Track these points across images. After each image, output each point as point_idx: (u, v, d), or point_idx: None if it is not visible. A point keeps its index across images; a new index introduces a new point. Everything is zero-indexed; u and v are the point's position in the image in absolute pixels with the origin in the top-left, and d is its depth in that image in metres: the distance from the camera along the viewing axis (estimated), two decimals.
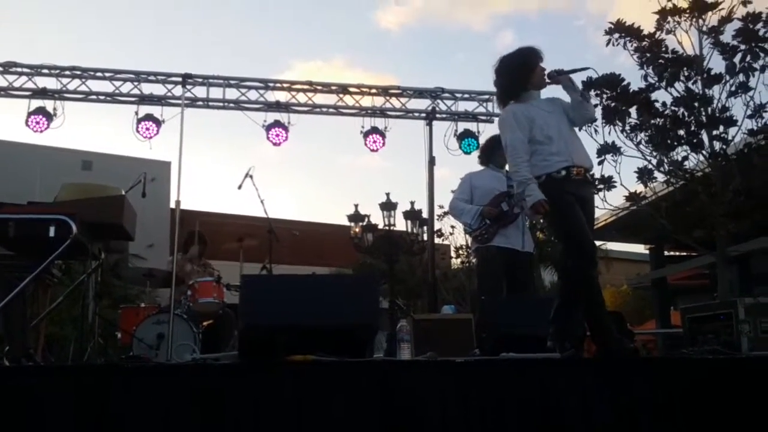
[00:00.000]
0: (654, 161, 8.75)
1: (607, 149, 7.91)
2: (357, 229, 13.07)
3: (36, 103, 8.35)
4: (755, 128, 8.01)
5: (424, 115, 9.26)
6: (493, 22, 49.45)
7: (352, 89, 9.21)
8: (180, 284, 5.70)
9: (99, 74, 8.63)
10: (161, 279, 6.49)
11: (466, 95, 9.36)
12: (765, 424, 3.28)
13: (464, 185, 5.86)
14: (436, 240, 15.04)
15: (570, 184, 3.99)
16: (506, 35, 51.70)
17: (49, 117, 8.31)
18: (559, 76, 4.18)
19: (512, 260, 5.53)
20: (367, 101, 9.22)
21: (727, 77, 8.06)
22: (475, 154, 8.93)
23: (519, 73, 4.19)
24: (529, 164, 3.99)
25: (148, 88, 8.69)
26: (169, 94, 8.64)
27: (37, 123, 8.25)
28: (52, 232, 3.63)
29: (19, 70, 8.43)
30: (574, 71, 4.24)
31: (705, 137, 8.31)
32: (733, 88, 8.06)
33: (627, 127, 8.03)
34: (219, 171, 41.44)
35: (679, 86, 8.34)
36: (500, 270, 5.51)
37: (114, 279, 7.45)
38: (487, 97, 9.31)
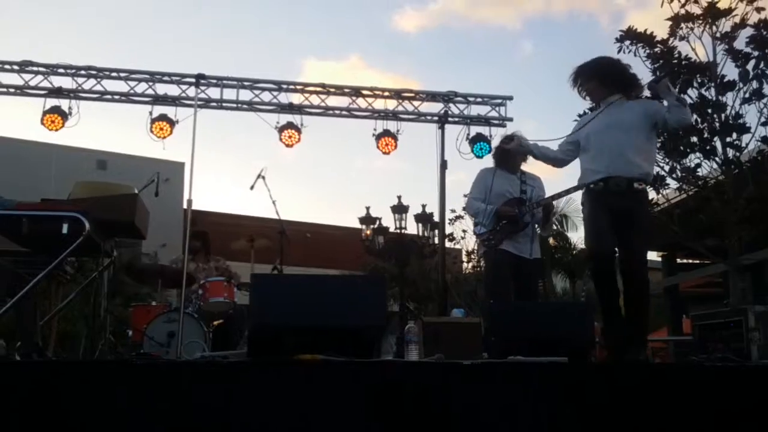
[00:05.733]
0: (666, 168, 8.74)
1: None
2: (368, 232, 13.09)
3: (51, 102, 8.41)
4: None
5: (436, 118, 9.25)
6: (514, 27, 49.33)
7: (365, 92, 9.21)
8: (189, 284, 5.72)
9: (114, 74, 8.68)
10: (168, 278, 6.50)
11: (479, 99, 9.31)
12: None
13: (480, 184, 5.75)
14: (448, 244, 15.03)
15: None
16: (526, 41, 51.65)
17: (65, 116, 8.37)
18: (658, 84, 4.50)
19: (520, 268, 5.50)
20: (380, 104, 9.23)
21: (741, 84, 8.04)
22: (487, 158, 8.94)
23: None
24: None
25: (162, 89, 8.72)
26: (183, 94, 8.67)
27: (53, 122, 8.31)
28: (65, 229, 3.67)
29: (35, 69, 8.48)
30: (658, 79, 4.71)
31: (718, 144, 8.29)
32: (746, 95, 8.04)
33: None
34: (232, 172, 41.59)
35: (693, 93, 8.34)
36: (508, 274, 5.48)
37: (126, 277, 7.50)
38: (499, 101, 9.28)
